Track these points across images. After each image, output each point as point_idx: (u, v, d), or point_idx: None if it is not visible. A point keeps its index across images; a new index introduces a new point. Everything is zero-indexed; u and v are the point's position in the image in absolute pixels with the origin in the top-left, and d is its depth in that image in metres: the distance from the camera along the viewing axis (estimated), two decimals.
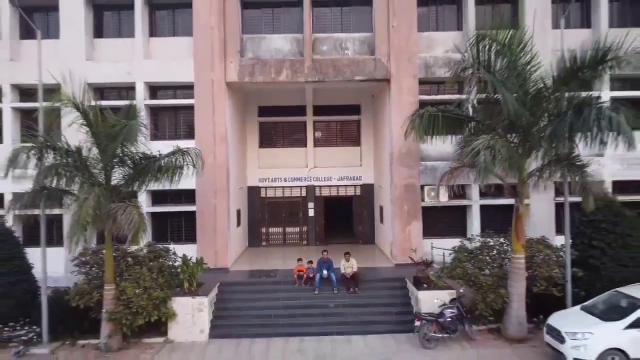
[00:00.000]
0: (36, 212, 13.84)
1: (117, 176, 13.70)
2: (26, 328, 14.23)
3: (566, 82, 12.69)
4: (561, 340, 11.37)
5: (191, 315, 14.25)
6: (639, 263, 14.24)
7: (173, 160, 13.67)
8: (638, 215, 15.33)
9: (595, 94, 14.91)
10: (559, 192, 17.88)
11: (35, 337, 14.00)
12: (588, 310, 12.13)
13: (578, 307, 12.59)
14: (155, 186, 14.14)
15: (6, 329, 14.11)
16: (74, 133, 13.04)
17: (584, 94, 12.81)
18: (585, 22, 19.42)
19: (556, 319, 12.10)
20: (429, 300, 14.15)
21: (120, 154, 13.24)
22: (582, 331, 11.11)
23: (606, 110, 10.89)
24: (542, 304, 14.01)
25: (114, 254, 13.86)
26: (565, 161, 12.38)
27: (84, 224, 11.68)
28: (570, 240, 15.04)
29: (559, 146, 12.01)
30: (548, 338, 11.99)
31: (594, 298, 12.69)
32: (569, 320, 11.84)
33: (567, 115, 11.31)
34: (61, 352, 13.60)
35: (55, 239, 18.28)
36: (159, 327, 14.24)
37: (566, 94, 12.68)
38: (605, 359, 10.81)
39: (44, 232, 14.01)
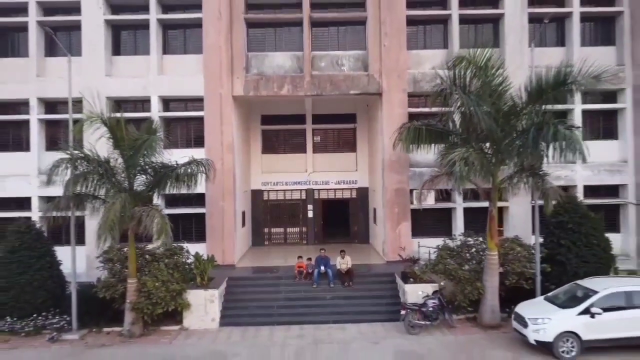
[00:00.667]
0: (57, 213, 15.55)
1: (139, 182, 15.54)
2: (57, 317, 16.04)
3: (534, 100, 14.57)
4: (525, 325, 13.22)
5: (203, 306, 16.09)
6: (599, 259, 16.09)
7: (188, 169, 15.53)
8: (601, 217, 17.18)
9: (560, 108, 16.78)
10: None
11: (65, 325, 15.82)
12: (550, 299, 13.97)
13: (542, 297, 14.45)
14: (172, 191, 16.00)
15: (40, 318, 15.92)
16: (96, 143, 14.95)
17: (548, 110, 14.70)
18: (560, 40, 21.21)
19: (522, 308, 13.95)
20: (414, 293, 15.99)
21: (142, 164, 15.07)
22: (541, 317, 12.96)
23: (561, 129, 12.69)
24: (515, 296, 15.71)
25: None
26: (529, 171, 14.23)
27: (111, 225, 13.54)
28: (542, 239, 17.00)
29: (526, 158, 13.85)
30: (515, 324, 13.84)
31: (556, 289, 14.54)
32: (533, 308, 13.70)
33: (531, 132, 13.16)
34: (89, 338, 15.44)
35: (76, 239, 20.03)
36: (174, 316, 16.07)
37: (534, 111, 14.53)
38: (561, 340, 12.64)
39: (74, 233, 15.93)
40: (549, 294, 14.50)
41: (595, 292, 12.96)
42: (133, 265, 15.32)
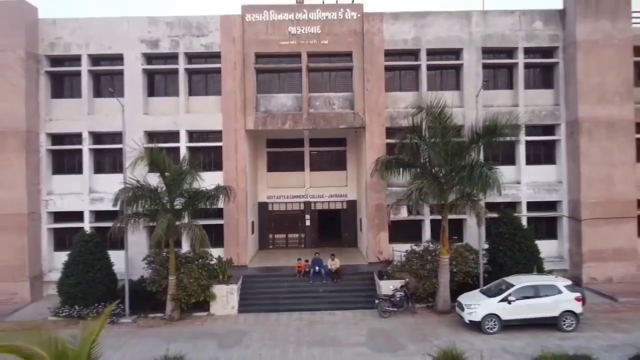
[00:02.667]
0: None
1: (176, 203, 20.46)
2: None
3: (475, 142, 19.59)
4: (462, 309, 18.20)
5: (225, 297, 21.03)
6: (528, 261, 21.02)
7: (214, 193, 20.50)
8: (541, 227, 22.18)
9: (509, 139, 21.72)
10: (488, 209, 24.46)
11: (120, 311, 20.72)
12: (483, 291, 18.94)
13: (477, 290, 19.42)
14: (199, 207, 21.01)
15: (100, 306, 20.76)
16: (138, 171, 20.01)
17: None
18: (509, 84, 26.08)
19: (462, 297, 18.91)
20: (387, 287, 20.94)
21: (181, 190, 20.02)
22: (474, 303, 17.95)
23: (485, 170, 17.64)
24: (464, 290, 20.59)
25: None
26: (467, 197, 19.20)
27: (160, 237, 18.51)
28: (487, 246, 22.00)
29: (465, 187, 18.83)
30: (457, 309, 18.82)
31: (489, 284, 19.52)
32: (469, 298, 18.67)
33: (466, 170, 18.14)
34: (139, 321, 20.39)
35: (118, 245, 24.65)
36: (203, 305, 21.01)
37: (473, 151, 19.56)
38: (486, 320, 17.59)
39: (127, 242, 20.89)
40: (484, 287, 19.50)
41: (512, 286, 17.95)
42: (173, 265, 20.27)
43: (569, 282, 18.46)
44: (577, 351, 14.58)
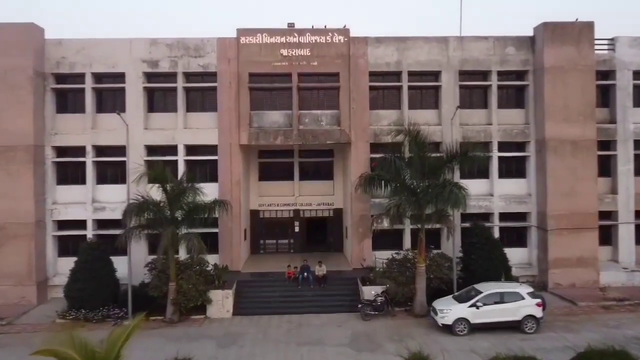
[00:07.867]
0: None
1: (178, 214, 22.28)
2: (117, 309, 22.68)
3: (449, 161, 21.73)
4: (436, 313, 20.28)
5: (221, 301, 22.89)
6: (497, 269, 23.12)
7: (212, 205, 22.36)
8: (498, 239, 24.50)
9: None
10: (464, 220, 26.56)
11: (123, 314, 22.46)
12: (455, 297, 21.03)
13: (450, 296, 21.51)
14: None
15: (104, 309, 22.50)
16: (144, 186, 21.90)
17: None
18: (485, 104, 28.18)
19: (436, 303, 20.99)
20: (369, 292, 22.95)
21: (182, 203, 21.85)
22: (446, 308, 20.04)
23: (453, 189, 19.79)
24: (440, 295, 22.69)
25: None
26: (439, 212, 21.34)
27: (166, 247, 20.36)
28: (461, 254, 24.11)
29: (437, 204, 20.96)
30: (432, 313, 20.90)
31: (461, 291, 21.62)
32: (442, 303, 20.76)
33: (437, 188, 20.27)
34: (142, 324, 22.07)
35: (119, 251, 26.22)
36: (200, 308, 22.82)
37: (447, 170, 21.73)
38: (457, 323, 19.67)
39: (130, 251, 22.63)
40: (456, 293, 21.60)
41: (480, 292, 20.07)
42: (174, 272, 22.07)
43: (531, 289, 20.65)
44: (535, 352, 16.62)
